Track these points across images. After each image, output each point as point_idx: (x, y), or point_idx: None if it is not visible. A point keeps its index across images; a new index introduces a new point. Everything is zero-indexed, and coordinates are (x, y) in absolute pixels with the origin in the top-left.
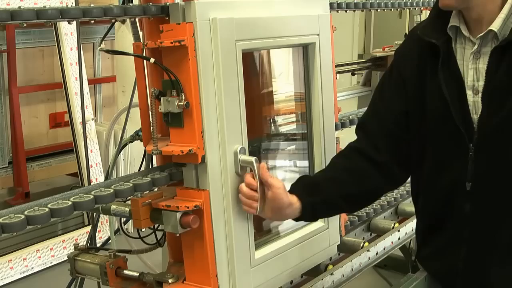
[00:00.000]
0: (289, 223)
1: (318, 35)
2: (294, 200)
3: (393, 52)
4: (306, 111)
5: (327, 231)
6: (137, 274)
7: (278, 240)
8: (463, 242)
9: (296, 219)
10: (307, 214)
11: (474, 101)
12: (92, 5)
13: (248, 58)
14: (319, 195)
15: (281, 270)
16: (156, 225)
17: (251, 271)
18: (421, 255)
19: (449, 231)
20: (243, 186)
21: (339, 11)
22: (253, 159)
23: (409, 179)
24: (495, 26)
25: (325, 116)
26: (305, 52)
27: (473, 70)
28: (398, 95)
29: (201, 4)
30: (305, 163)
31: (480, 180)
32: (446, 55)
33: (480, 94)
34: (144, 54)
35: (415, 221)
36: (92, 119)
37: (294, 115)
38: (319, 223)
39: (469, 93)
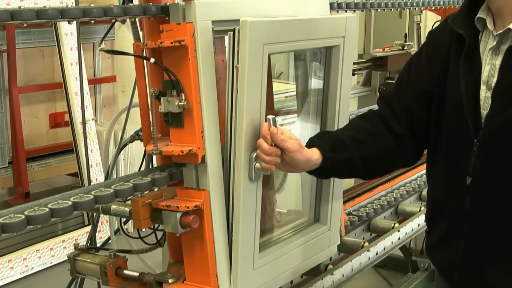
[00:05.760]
0: (291, 224)
1: (344, 37)
2: (314, 154)
3: (393, 52)
4: (322, 110)
5: (329, 232)
6: (137, 274)
7: (280, 243)
8: (462, 236)
9: (311, 172)
10: (326, 170)
11: (486, 97)
12: (92, 5)
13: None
14: (343, 153)
15: (282, 271)
16: (156, 225)
17: (252, 273)
18: (427, 243)
19: (449, 222)
20: (262, 142)
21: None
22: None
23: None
24: None
25: (341, 116)
26: (328, 54)
27: (490, 66)
28: (423, 74)
29: (201, 4)
30: None
31: (479, 176)
32: (471, 48)
33: (492, 91)
34: (144, 54)
35: (415, 221)
36: (92, 119)
37: (295, 115)
38: (321, 225)
39: (483, 88)
